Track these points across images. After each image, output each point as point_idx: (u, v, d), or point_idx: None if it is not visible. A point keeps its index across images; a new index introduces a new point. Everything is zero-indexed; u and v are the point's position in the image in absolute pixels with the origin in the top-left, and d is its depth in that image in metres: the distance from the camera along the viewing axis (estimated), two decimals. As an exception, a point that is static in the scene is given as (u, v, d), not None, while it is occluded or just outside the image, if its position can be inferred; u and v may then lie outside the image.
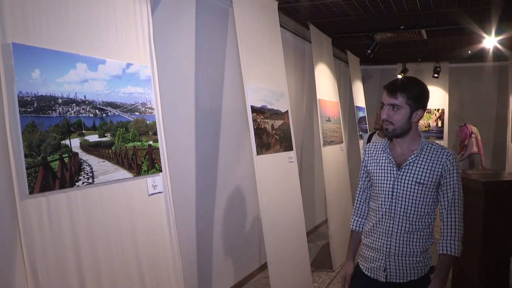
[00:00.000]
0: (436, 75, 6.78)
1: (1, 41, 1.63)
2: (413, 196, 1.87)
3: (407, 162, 1.89)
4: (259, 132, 3.23)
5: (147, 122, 2.33)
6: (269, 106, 3.42)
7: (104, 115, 2.07)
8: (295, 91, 5.31)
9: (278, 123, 3.55)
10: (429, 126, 7.15)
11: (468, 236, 3.58)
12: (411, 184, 1.87)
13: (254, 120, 3.17)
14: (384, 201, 1.92)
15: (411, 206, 1.88)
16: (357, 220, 2.13)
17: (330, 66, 5.40)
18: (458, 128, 5.29)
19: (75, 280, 1.83)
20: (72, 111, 1.91)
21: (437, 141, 7.10)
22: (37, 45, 1.75)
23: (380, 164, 1.98)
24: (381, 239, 1.93)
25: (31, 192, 1.69)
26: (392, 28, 5.15)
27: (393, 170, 1.92)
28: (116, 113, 2.14)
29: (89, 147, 1.98)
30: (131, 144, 2.22)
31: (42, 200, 1.73)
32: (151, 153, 2.35)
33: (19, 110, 1.68)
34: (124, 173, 2.15)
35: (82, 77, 1.95)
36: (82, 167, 1.93)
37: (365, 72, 7.94)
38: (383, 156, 1.98)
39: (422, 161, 1.88)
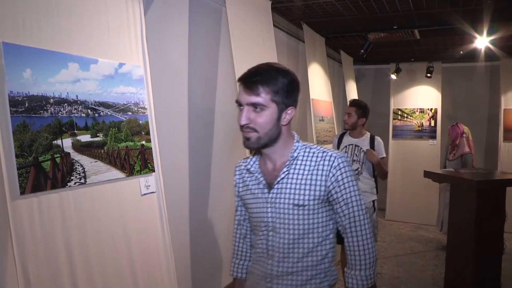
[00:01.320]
0: (429, 74, 6.82)
1: (-8, 41, 1.62)
2: (293, 224, 1.40)
3: (279, 179, 1.42)
4: (253, 132, 3.22)
5: (140, 122, 2.33)
6: (262, 106, 3.41)
7: (96, 115, 2.06)
8: (288, 90, 5.31)
9: (271, 122, 3.54)
10: (422, 125, 7.20)
11: (460, 235, 3.61)
12: (288, 208, 1.40)
13: (248, 120, 3.16)
14: (262, 235, 1.47)
15: (293, 238, 1.41)
16: (238, 264, 1.65)
17: (324, 66, 5.41)
18: (449, 128, 5.32)
19: (67, 280, 1.82)
20: (64, 111, 1.89)
21: (430, 141, 7.23)
22: (28, 45, 1.74)
23: (250, 187, 1.52)
24: (259, 284, 1.49)
25: (22, 193, 1.68)
26: (385, 28, 5.17)
27: (264, 193, 1.46)
28: (108, 113, 2.13)
29: (81, 147, 1.97)
30: (124, 144, 2.21)
31: (33, 201, 1.72)
32: (144, 153, 2.34)
33: (10, 110, 1.66)
34: (116, 173, 2.14)
35: (74, 77, 1.94)
36: (74, 167, 1.92)
37: (358, 71, 7.96)
38: (252, 177, 1.51)
39: (297, 174, 1.42)
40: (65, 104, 1.90)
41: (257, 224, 1.50)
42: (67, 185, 1.87)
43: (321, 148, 1.47)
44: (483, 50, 5.61)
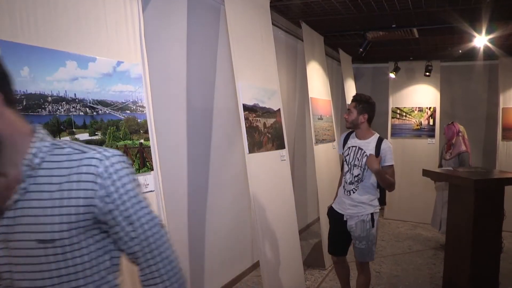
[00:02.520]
0: (427, 73, 6.82)
1: (-11, 39, 1.61)
2: (41, 272, 0.91)
3: (11, 201, 0.92)
4: (251, 130, 3.22)
5: (138, 120, 2.32)
6: (261, 105, 3.42)
7: (94, 113, 2.05)
8: (287, 89, 5.32)
9: (270, 121, 3.54)
10: (421, 124, 7.20)
11: (459, 233, 3.62)
12: (31, 248, 0.90)
13: (246, 119, 3.16)
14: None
15: None
16: None
17: (322, 65, 5.40)
18: (445, 127, 5.32)
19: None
20: (62, 110, 1.89)
21: (429, 140, 7.24)
22: (25, 43, 1.73)
23: None
24: None
25: (20, 191, 1.67)
26: (384, 27, 5.17)
27: None
28: (106, 111, 2.12)
29: (79, 146, 1.96)
30: (122, 142, 2.20)
31: (31, 199, 1.71)
32: (142, 151, 2.33)
33: (8, 108, 1.66)
34: (115, 172, 2.13)
35: (72, 75, 1.93)
36: (72, 166, 1.91)
37: (357, 70, 7.97)
38: None
39: (42, 191, 0.92)
40: (63, 102, 1.89)
41: None
42: (65, 183, 1.86)
43: (79, 147, 0.97)
44: (481, 49, 5.62)
